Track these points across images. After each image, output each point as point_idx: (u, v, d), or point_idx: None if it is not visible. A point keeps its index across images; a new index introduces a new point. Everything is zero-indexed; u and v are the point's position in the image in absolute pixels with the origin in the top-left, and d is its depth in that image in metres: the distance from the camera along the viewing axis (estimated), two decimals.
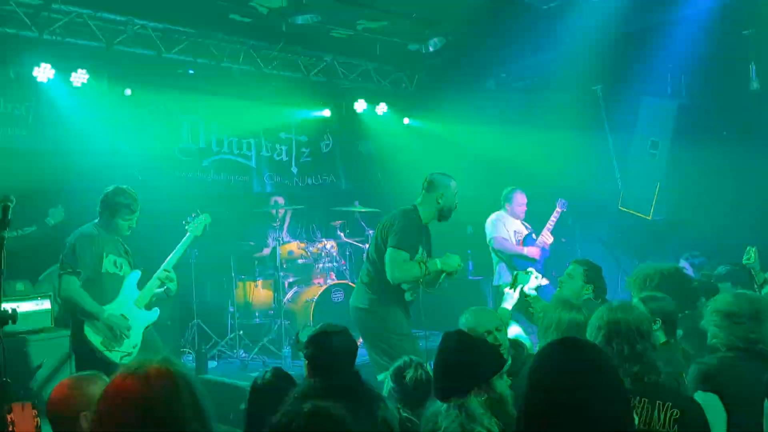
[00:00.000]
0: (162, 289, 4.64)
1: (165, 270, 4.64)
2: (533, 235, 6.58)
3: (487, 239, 6.58)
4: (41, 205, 6.09)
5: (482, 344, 2.97)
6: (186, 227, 4.87)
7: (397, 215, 4.60)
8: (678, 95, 6.67)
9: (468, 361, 2.72)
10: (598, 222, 7.37)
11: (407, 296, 4.65)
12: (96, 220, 4.56)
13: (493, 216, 6.64)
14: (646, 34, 6.50)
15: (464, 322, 3.40)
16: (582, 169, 7.21)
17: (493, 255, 6.64)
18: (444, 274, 4.56)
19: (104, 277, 4.42)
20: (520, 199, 6.60)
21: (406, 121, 9.08)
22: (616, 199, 7.13)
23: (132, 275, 4.56)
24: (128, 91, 6.90)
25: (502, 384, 2.96)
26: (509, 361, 3.33)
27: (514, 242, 6.49)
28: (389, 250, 4.44)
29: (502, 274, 6.52)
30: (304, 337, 3.35)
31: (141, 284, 4.58)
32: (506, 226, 6.54)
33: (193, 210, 5.61)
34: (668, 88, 6.70)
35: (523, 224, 6.65)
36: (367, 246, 5.70)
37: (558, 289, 4.31)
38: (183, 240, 4.80)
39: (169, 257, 4.70)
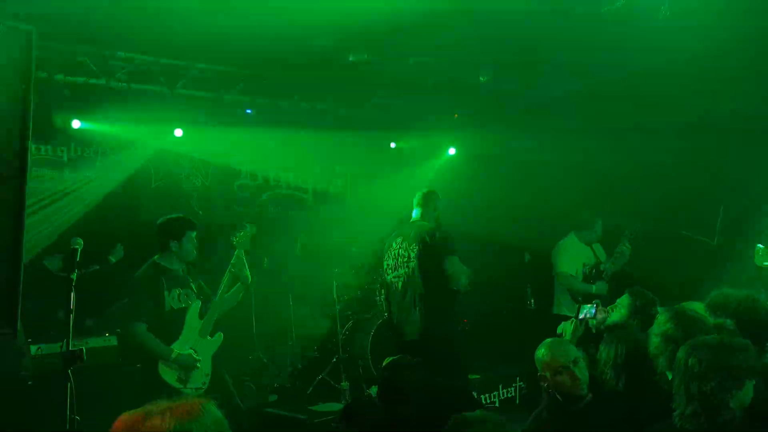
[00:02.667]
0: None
1: (222, 294, 4.76)
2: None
3: (554, 271, 6.38)
4: (103, 244, 6.32)
5: None
6: (234, 243, 4.92)
7: (430, 230, 4.92)
8: None
9: None
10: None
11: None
12: (156, 256, 4.67)
13: (562, 244, 6.42)
14: None
15: (541, 355, 3.32)
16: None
17: (555, 282, 6.48)
18: None
19: (168, 316, 4.53)
20: (598, 227, 6.36)
21: (451, 151, 9.15)
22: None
23: (194, 306, 4.65)
24: (179, 132, 7.15)
25: None
26: (589, 397, 3.24)
27: (582, 276, 6.21)
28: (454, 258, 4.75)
29: (563, 304, 6.33)
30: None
31: (202, 312, 4.69)
32: (575, 258, 6.26)
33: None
34: None
35: (595, 252, 6.37)
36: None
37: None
38: (234, 258, 4.85)
39: (223, 279, 4.80)
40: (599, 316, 4.10)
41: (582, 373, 3.22)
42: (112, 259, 6.29)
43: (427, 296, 4.85)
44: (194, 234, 4.71)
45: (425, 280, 4.85)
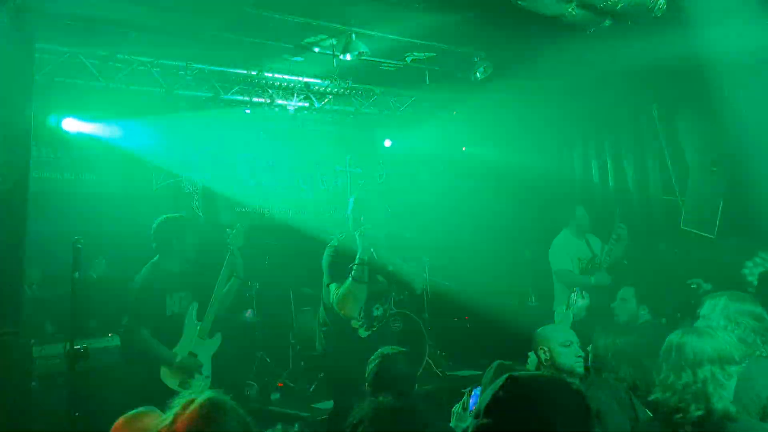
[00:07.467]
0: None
1: (218, 291, 4.71)
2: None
3: (553, 270, 6.40)
4: (102, 246, 6.25)
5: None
6: (228, 242, 4.85)
7: None
8: None
9: None
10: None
11: None
12: (156, 258, 4.63)
13: (555, 242, 6.45)
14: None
15: (536, 338, 3.42)
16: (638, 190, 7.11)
17: (554, 277, 6.49)
18: None
19: (169, 320, 4.52)
20: (580, 215, 6.38)
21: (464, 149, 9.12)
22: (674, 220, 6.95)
23: (191, 308, 4.63)
24: None
25: None
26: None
27: (579, 270, 6.23)
28: None
29: (563, 301, 6.31)
30: None
31: (199, 313, 4.67)
32: (570, 254, 6.30)
33: (254, 241, 5.59)
34: None
35: (590, 245, 6.37)
36: None
37: (614, 317, 4.22)
38: (228, 255, 4.80)
39: (219, 277, 4.75)
40: (579, 303, 4.19)
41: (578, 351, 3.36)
42: (93, 274, 6.16)
43: None
44: (196, 233, 4.72)
45: None
